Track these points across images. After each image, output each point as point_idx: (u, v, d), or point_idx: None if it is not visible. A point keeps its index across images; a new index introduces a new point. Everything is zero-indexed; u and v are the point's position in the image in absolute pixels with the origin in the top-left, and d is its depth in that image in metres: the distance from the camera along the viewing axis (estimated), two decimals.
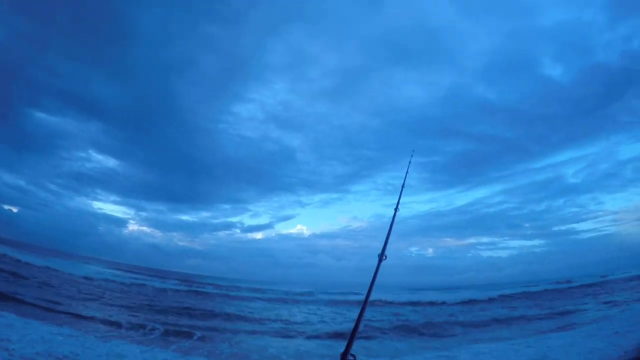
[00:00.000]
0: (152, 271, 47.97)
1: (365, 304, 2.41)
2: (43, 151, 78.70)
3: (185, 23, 74.72)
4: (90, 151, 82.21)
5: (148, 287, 22.58)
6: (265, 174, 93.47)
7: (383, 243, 2.85)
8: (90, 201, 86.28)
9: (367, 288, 2.52)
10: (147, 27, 71.03)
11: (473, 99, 79.90)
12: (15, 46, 65.76)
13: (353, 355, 1.94)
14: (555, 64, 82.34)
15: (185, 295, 21.21)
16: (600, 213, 72.36)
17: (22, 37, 65.87)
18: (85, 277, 21.63)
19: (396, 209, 3.16)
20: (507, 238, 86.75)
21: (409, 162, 3.73)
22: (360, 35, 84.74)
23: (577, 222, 78.77)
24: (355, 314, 2.26)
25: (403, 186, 3.46)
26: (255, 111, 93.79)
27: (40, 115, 74.05)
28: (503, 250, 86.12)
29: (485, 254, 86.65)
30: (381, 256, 2.69)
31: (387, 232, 2.94)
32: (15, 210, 69.76)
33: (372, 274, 2.66)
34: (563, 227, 77.90)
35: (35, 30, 70.32)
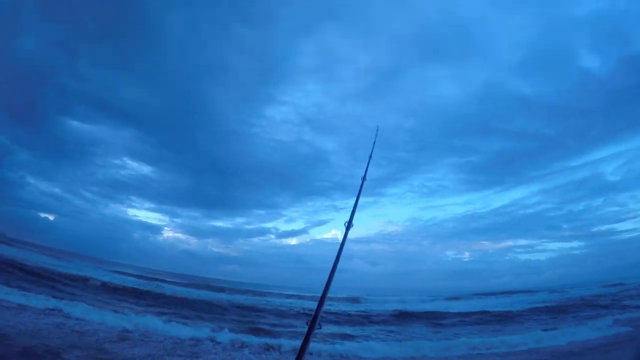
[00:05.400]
0: (200, 279, 45.97)
1: (332, 274, 2.18)
2: (77, 159, 78.72)
3: (215, 25, 75.02)
4: (125, 158, 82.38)
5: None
6: (300, 178, 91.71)
7: (349, 218, 2.66)
8: (125, 208, 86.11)
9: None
10: (177, 30, 70.49)
11: (509, 95, 75.12)
12: (46, 54, 66.75)
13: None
14: (592, 55, 76.92)
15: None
16: None
17: (52, 44, 67.16)
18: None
19: (363, 179, 3.04)
20: (545, 240, 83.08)
21: (376, 134, 3.61)
22: (390, 33, 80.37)
23: (617, 222, 73.18)
24: None
25: (370, 156, 3.34)
26: (289, 114, 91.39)
27: (73, 123, 73.70)
28: (541, 253, 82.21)
29: (523, 257, 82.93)
30: (349, 224, 2.57)
31: (355, 201, 2.78)
32: (51, 218, 70.46)
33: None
34: (603, 228, 73.04)
35: (65, 37, 70.48)
